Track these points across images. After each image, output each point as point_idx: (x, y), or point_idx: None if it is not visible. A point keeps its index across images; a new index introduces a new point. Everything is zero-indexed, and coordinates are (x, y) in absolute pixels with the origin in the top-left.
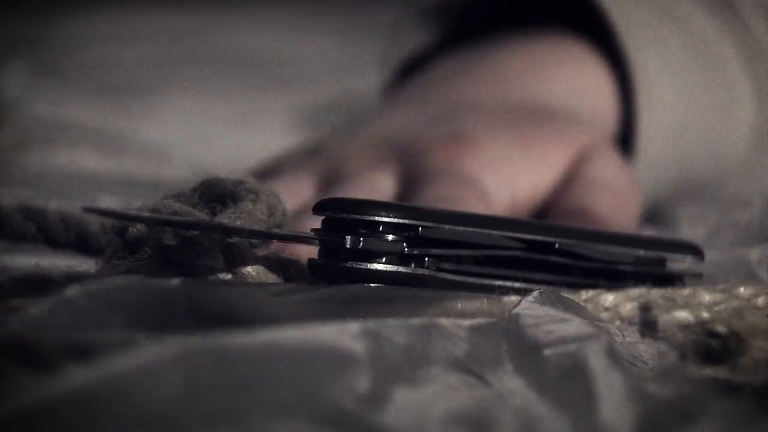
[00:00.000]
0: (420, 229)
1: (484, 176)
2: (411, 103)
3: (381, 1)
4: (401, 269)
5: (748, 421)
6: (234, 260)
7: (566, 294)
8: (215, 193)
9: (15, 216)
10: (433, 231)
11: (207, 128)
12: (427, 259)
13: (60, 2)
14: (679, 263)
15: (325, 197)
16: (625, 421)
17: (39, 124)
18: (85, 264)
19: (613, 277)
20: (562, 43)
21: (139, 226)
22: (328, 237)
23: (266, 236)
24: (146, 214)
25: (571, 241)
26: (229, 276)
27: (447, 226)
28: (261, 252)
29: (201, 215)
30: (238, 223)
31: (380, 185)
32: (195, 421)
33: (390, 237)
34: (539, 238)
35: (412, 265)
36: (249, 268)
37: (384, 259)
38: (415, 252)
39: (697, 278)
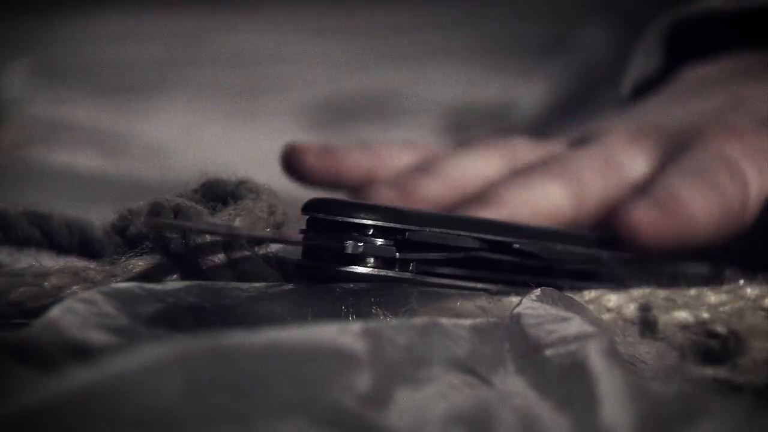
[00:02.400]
0: (407, 233)
1: (745, 163)
2: (667, 105)
3: (381, 2)
4: (386, 273)
5: (749, 421)
6: (235, 256)
7: (569, 294)
8: (216, 193)
9: (20, 221)
10: (419, 235)
11: (207, 128)
12: (412, 264)
13: (60, 2)
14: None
15: (320, 198)
16: (625, 421)
17: (39, 124)
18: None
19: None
20: None
21: (138, 225)
22: (329, 242)
23: (268, 240)
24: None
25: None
26: (229, 273)
27: (435, 230)
28: (261, 249)
29: (213, 218)
30: (237, 220)
31: (633, 161)
32: (195, 421)
33: (381, 241)
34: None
35: (396, 269)
36: (248, 266)
37: (372, 262)
38: (406, 257)
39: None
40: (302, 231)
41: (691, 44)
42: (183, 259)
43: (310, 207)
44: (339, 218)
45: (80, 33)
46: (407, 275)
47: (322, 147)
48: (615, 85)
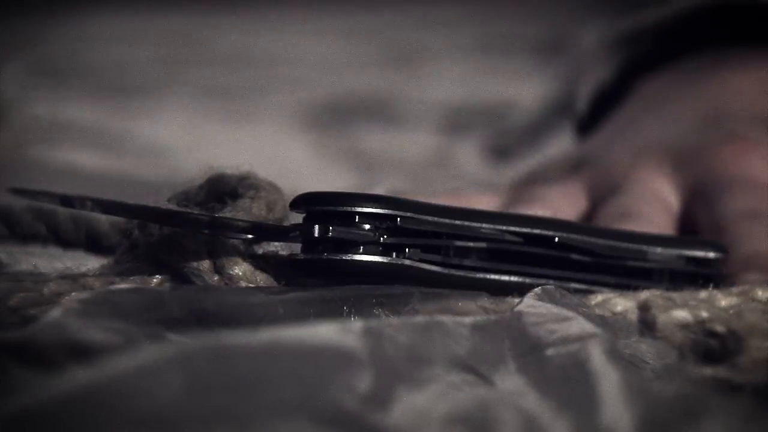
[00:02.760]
0: (398, 219)
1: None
2: (664, 114)
3: (381, 2)
4: (380, 259)
5: (749, 420)
6: (221, 261)
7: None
8: (220, 189)
9: (25, 216)
10: (412, 222)
11: (207, 128)
12: (407, 249)
13: (60, 2)
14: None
15: (304, 192)
16: (626, 421)
17: (39, 124)
18: (90, 264)
19: (634, 276)
20: None
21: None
22: (290, 228)
23: (234, 229)
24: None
25: (573, 235)
26: (216, 277)
27: (427, 217)
28: (250, 250)
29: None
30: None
31: (660, 191)
32: (195, 421)
33: (366, 227)
34: (539, 231)
35: (393, 255)
36: (236, 269)
37: (361, 249)
38: (392, 241)
39: (721, 276)
40: (296, 226)
41: (640, 53)
42: (170, 260)
43: (300, 202)
44: (346, 209)
45: (80, 33)
46: (405, 262)
47: None
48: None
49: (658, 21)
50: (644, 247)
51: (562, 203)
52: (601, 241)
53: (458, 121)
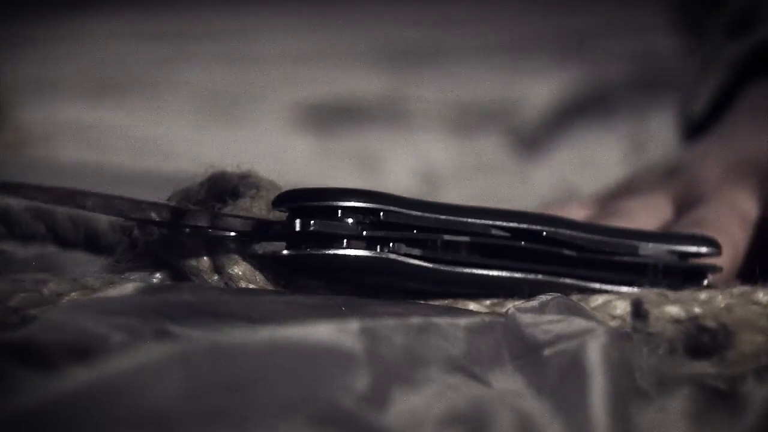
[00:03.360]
0: (381, 213)
1: None
2: (764, 128)
3: (381, 2)
4: (363, 253)
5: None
6: (221, 261)
7: (575, 298)
8: (220, 188)
9: (24, 216)
10: (395, 216)
11: (207, 127)
12: (392, 244)
13: (60, 2)
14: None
15: (286, 190)
16: (623, 420)
17: (39, 124)
18: (89, 264)
19: (627, 272)
20: None
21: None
22: (272, 223)
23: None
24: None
25: (561, 230)
26: (216, 277)
27: (411, 212)
28: (250, 250)
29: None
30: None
31: (741, 204)
32: (195, 420)
33: (349, 221)
34: (526, 226)
35: (378, 248)
36: (236, 269)
37: (344, 243)
38: (375, 234)
39: (717, 271)
40: (277, 222)
41: (758, 62)
42: (170, 260)
43: (282, 200)
44: (329, 203)
45: (80, 32)
46: (390, 256)
47: None
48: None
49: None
50: (635, 242)
51: (646, 215)
52: (589, 236)
53: (465, 122)
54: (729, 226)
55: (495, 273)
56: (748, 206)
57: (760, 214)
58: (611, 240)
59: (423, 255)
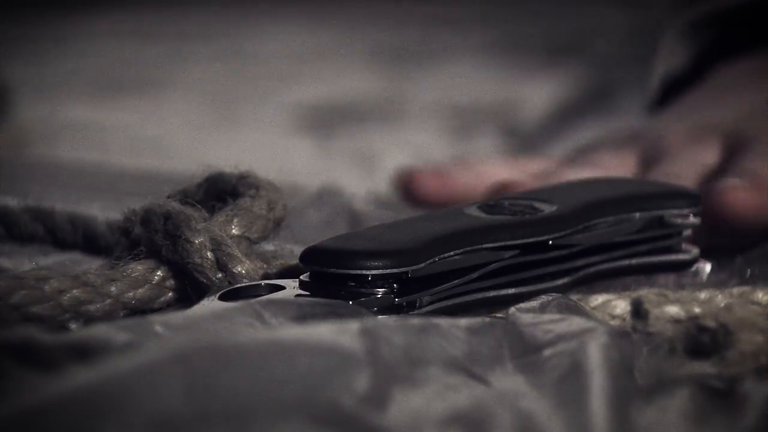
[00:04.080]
0: (409, 273)
1: None
2: (727, 99)
3: (381, 3)
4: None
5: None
6: (224, 259)
7: (575, 297)
8: (219, 188)
9: (23, 217)
10: (422, 270)
11: (207, 127)
12: (417, 302)
13: (60, 2)
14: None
15: (312, 245)
16: (623, 420)
17: (39, 123)
18: (88, 264)
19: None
20: None
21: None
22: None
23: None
24: None
25: (564, 233)
26: (219, 275)
27: (435, 259)
28: (258, 248)
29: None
30: (236, 220)
31: (703, 158)
32: (195, 420)
33: (379, 291)
34: (530, 240)
35: (406, 311)
36: (239, 267)
37: (375, 309)
38: (405, 300)
39: (695, 227)
40: (302, 282)
41: (717, 39)
42: (174, 258)
43: (309, 258)
44: (338, 271)
45: (81, 32)
46: (416, 312)
47: (434, 171)
48: (629, 87)
49: (738, 6)
50: (626, 221)
51: (614, 165)
52: (588, 234)
53: (463, 122)
54: (692, 177)
55: (511, 291)
56: (709, 160)
57: (720, 167)
58: (606, 233)
59: (445, 299)
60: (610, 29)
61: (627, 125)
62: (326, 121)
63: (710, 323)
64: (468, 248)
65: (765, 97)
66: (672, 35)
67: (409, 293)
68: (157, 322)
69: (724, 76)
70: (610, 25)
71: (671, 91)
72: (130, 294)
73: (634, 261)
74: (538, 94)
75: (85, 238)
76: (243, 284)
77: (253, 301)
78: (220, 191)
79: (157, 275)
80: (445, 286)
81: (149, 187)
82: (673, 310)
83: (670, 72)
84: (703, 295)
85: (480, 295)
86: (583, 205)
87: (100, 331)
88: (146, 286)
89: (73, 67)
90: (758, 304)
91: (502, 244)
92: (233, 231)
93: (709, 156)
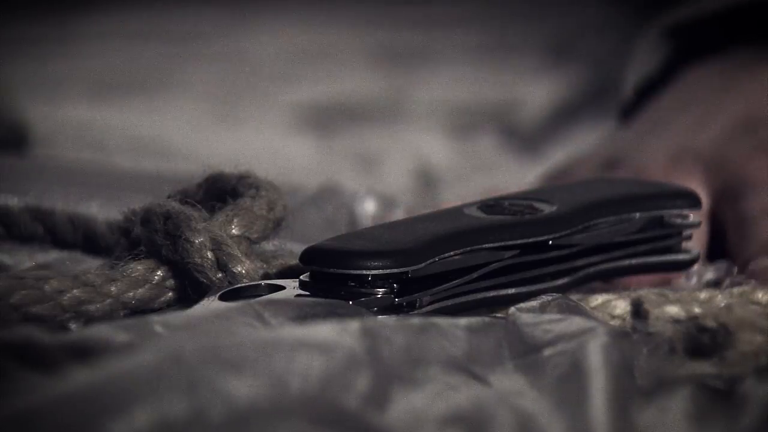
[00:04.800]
0: (409, 273)
1: None
2: (700, 113)
3: (380, 2)
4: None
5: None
6: (224, 259)
7: (575, 297)
8: (219, 188)
9: (23, 217)
10: (422, 270)
11: (207, 126)
12: (417, 302)
13: (60, 2)
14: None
15: (312, 245)
16: (623, 420)
17: (39, 123)
18: (87, 264)
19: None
20: None
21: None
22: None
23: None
24: None
25: (564, 233)
26: (220, 275)
27: (435, 260)
28: (260, 247)
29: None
30: (236, 220)
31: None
32: (195, 421)
33: (379, 291)
34: (530, 240)
35: (404, 306)
36: (239, 267)
37: (375, 309)
38: (405, 300)
39: (695, 227)
40: (302, 282)
41: (689, 43)
42: (174, 258)
43: (310, 259)
44: (338, 271)
45: (81, 32)
46: (416, 312)
47: None
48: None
49: (707, 13)
50: (626, 223)
51: None
52: (588, 235)
53: (463, 122)
54: None
55: (512, 291)
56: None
57: (709, 200)
58: (606, 233)
59: (445, 298)
60: (610, 29)
61: (601, 144)
62: (326, 121)
63: (710, 323)
64: (468, 248)
65: (737, 112)
66: (645, 40)
67: (409, 293)
68: (157, 322)
69: (690, 83)
70: (610, 25)
71: (643, 97)
72: (130, 294)
73: (634, 261)
74: (538, 94)
75: (85, 238)
76: (243, 284)
77: (253, 301)
78: (220, 191)
79: (157, 275)
80: (445, 286)
81: (149, 187)
82: (673, 310)
83: (642, 77)
84: (703, 295)
85: (480, 295)
86: (583, 205)
87: (100, 331)
88: (146, 286)
89: (73, 67)
90: (758, 304)
91: (502, 244)
92: (233, 231)
93: (692, 186)
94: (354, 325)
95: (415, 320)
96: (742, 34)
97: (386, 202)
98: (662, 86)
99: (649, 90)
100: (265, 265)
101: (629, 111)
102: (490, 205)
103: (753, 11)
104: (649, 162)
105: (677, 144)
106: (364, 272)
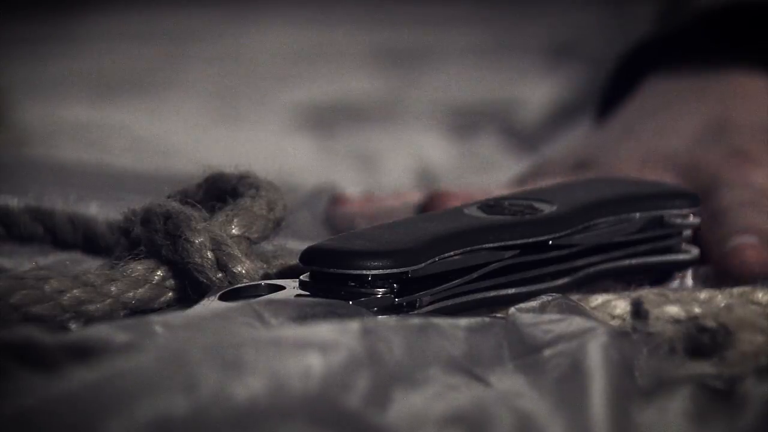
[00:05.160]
0: (409, 273)
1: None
2: (670, 116)
3: (380, 3)
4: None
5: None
6: (224, 259)
7: (575, 297)
8: (219, 188)
9: (23, 217)
10: (422, 270)
11: (207, 126)
12: (417, 302)
13: (60, 2)
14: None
15: (312, 245)
16: (623, 420)
17: (39, 123)
18: (87, 264)
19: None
20: None
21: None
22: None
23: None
24: None
25: (564, 233)
26: (220, 275)
27: (435, 259)
28: (259, 248)
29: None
30: (236, 220)
31: None
32: (194, 421)
33: (379, 291)
34: (530, 240)
35: (404, 306)
36: (239, 267)
37: (375, 309)
38: (405, 300)
39: (695, 227)
40: (302, 282)
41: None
42: (174, 258)
43: (310, 259)
44: (338, 271)
45: (81, 32)
46: (416, 313)
47: (363, 196)
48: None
49: (676, 22)
50: (625, 224)
51: None
52: (588, 234)
53: (463, 122)
54: None
55: (511, 291)
56: None
57: None
58: (605, 233)
59: (445, 298)
60: (610, 29)
61: (573, 146)
62: (326, 121)
63: (710, 323)
64: (468, 248)
65: (703, 111)
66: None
67: (409, 293)
68: (157, 322)
69: (660, 87)
70: (610, 24)
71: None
72: (130, 294)
73: (634, 261)
74: (538, 94)
75: (85, 238)
76: (243, 284)
77: (253, 301)
78: (220, 191)
79: (157, 275)
80: (445, 286)
81: (149, 187)
82: (673, 310)
83: (612, 80)
84: (703, 295)
85: (480, 295)
86: (583, 205)
87: (100, 331)
88: (146, 286)
89: (72, 67)
90: (758, 304)
91: (502, 244)
92: (233, 231)
93: None
94: (354, 325)
95: (415, 320)
96: (708, 44)
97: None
98: (633, 92)
99: (619, 94)
100: (265, 265)
101: (602, 114)
102: (490, 205)
103: (718, 23)
104: (621, 164)
105: (648, 147)
106: (364, 272)
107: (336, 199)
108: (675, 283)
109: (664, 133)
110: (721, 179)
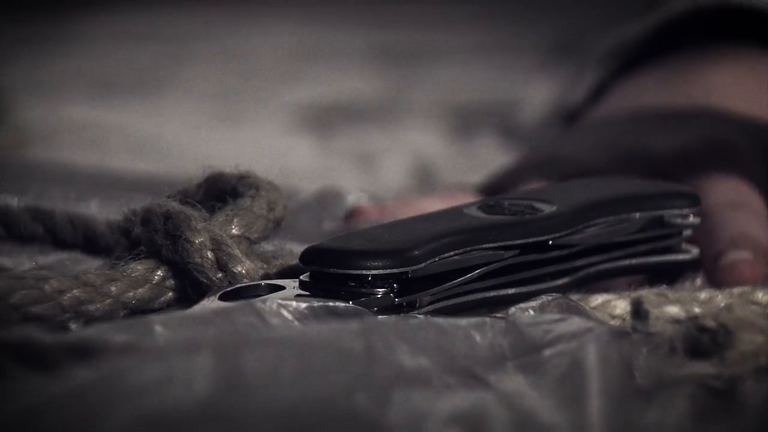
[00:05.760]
0: (409, 273)
1: (748, 182)
2: (629, 117)
3: (380, 3)
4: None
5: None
6: (224, 259)
7: (575, 297)
8: (219, 188)
9: (23, 217)
10: (422, 270)
11: (207, 126)
12: (417, 302)
13: (60, 2)
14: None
15: (312, 245)
16: (623, 420)
17: (39, 123)
18: (87, 264)
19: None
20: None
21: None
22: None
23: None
24: None
25: (564, 233)
26: (220, 274)
27: (435, 259)
28: (259, 248)
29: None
30: (236, 220)
31: None
32: (194, 421)
33: (379, 291)
34: (530, 240)
35: (404, 306)
36: (240, 267)
37: (375, 309)
38: (405, 300)
39: (696, 227)
40: (302, 282)
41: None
42: (174, 258)
43: (310, 258)
44: (338, 271)
45: (81, 32)
46: (416, 313)
47: (377, 207)
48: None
49: (647, 27)
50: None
51: None
52: (588, 234)
53: (463, 123)
54: None
55: (511, 291)
56: None
57: None
58: (605, 233)
59: (445, 298)
60: (610, 29)
61: (541, 146)
62: (326, 121)
63: (710, 323)
64: (468, 248)
65: (675, 101)
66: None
67: (409, 293)
68: (157, 322)
69: (628, 89)
70: (610, 24)
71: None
72: (130, 294)
73: (634, 261)
74: (538, 94)
75: (85, 238)
76: (243, 284)
77: (253, 301)
78: (220, 191)
79: (157, 275)
80: (445, 286)
81: (149, 187)
82: (673, 310)
83: (583, 88)
84: (703, 295)
85: (480, 295)
86: (583, 205)
87: (100, 331)
88: (146, 286)
89: (72, 67)
90: (758, 304)
91: (502, 244)
92: (233, 231)
93: None
94: (354, 325)
95: (415, 320)
96: (677, 41)
97: (383, 201)
98: (602, 93)
99: (589, 99)
100: (265, 265)
101: (573, 118)
102: (490, 205)
103: (685, 21)
104: (591, 160)
105: (616, 146)
106: (364, 272)
107: (353, 212)
108: (686, 284)
109: (627, 130)
110: (701, 177)
